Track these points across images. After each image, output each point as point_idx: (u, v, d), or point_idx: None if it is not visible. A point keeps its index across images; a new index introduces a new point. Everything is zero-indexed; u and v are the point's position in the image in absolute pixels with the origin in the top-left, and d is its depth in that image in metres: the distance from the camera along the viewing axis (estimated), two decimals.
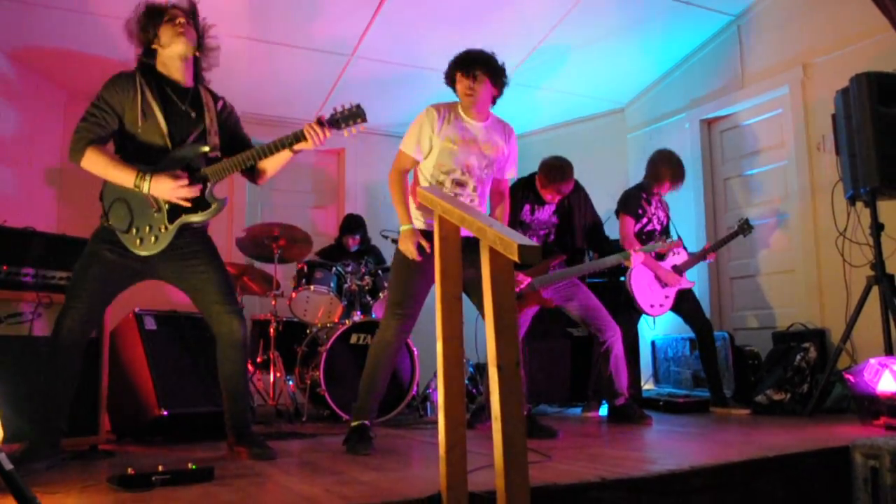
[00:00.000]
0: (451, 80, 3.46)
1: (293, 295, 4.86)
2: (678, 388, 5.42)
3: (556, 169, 4.26)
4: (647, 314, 4.69)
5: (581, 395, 5.02)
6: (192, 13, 2.93)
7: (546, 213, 4.41)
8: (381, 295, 4.94)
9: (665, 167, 4.71)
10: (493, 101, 3.52)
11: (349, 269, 5.02)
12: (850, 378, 3.72)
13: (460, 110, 3.44)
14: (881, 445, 2.60)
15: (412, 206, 3.40)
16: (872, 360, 3.64)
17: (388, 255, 5.43)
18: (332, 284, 4.85)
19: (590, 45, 5.57)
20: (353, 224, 5.71)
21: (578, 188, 4.47)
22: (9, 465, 1.73)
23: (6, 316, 3.07)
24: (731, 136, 5.80)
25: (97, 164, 2.74)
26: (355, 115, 2.91)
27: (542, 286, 4.26)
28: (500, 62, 3.45)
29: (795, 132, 5.12)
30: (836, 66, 4.75)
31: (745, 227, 4.80)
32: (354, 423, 3.28)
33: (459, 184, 3.36)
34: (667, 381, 5.61)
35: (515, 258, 1.55)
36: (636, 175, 5.77)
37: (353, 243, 5.65)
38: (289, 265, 5.30)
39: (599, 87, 6.28)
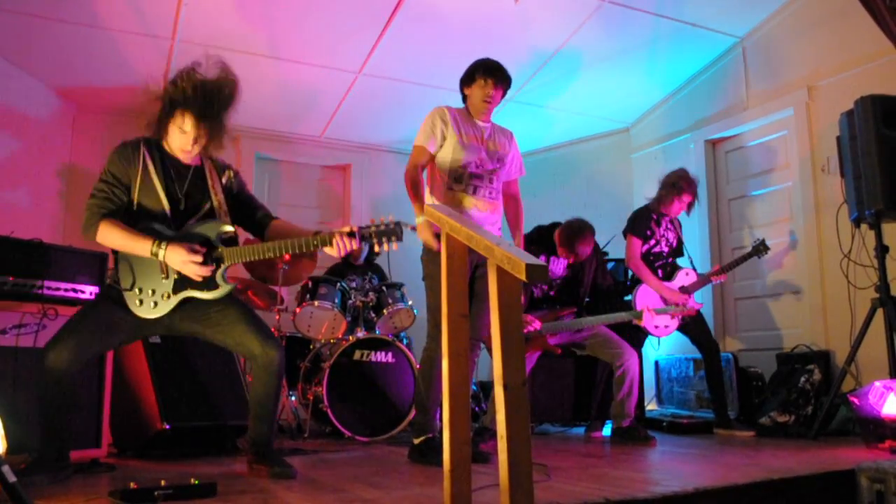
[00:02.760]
0: (469, 82, 3.55)
1: (297, 310, 4.86)
2: (682, 409, 5.40)
3: (578, 233, 4.31)
4: (653, 335, 4.68)
5: (584, 414, 5.00)
6: (220, 106, 2.78)
7: (560, 267, 4.47)
8: (384, 311, 4.93)
9: (677, 189, 4.71)
10: None
11: (354, 284, 5.03)
12: (855, 401, 3.70)
13: (467, 112, 3.59)
14: (887, 469, 2.59)
15: (429, 201, 3.47)
16: (877, 383, 3.63)
17: (394, 269, 5.45)
18: (336, 300, 4.85)
19: (596, 65, 5.60)
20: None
21: (597, 249, 4.55)
22: (12, 478, 1.73)
23: (11, 327, 3.08)
24: (735, 157, 5.81)
25: (112, 237, 2.70)
26: (391, 232, 2.71)
27: (549, 332, 4.31)
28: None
29: (800, 154, 5.13)
30: (841, 89, 4.77)
31: (760, 249, 4.76)
32: (420, 440, 3.37)
33: (476, 176, 3.47)
34: (670, 401, 5.59)
35: (523, 277, 1.55)
36: (641, 194, 5.79)
37: (359, 254, 5.62)
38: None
39: (605, 107, 6.30)
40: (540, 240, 4.47)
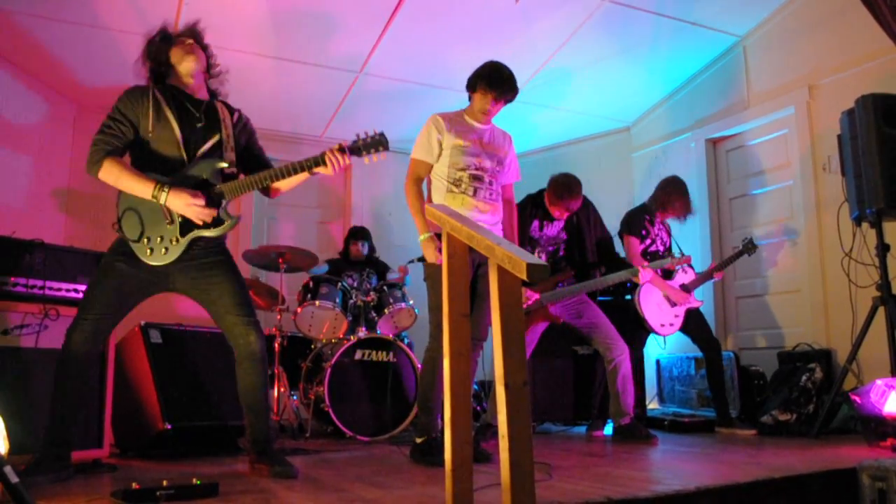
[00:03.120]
0: (472, 88, 3.54)
1: (298, 310, 4.86)
2: (683, 408, 5.40)
3: (565, 185, 4.30)
4: (658, 334, 4.68)
5: (585, 413, 5.00)
6: (198, 38, 3.02)
7: (555, 230, 4.43)
8: (386, 311, 4.93)
9: (678, 197, 4.72)
10: None
11: (354, 284, 5.03)
12: (857, 399, 3.70)
13: (465, 116, 3.58)
14: (888, 467, 2.59)
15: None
16: (879, 381, 3.63)
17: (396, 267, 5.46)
18: (337, 300, 4.85)
19: (596, 64, 5.60)
20: (359, 231, 5.71)
21: (587, 204, 4.51)
22: (14, 479, 1.74)
23: (13, 327, 3.08)
24: (736, 156, 5.81)
25: (115, 175, 2.76)
26: (377, 142, 2.85)
27: (549, 302, 4.28)
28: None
29: (801, 152, 5.12)
30: (841, 88, 4.77)
31: (749, 247, 4.80)
32: (422, 440, 3.38)
33: (476, 178, 3.47)
34: (671, 400, 5.59)
35: (524, 276, 1.55)
36: (642, 193, 5.80)
37: (359, 250, 5.63)
38: (295, 279, 5.30)
39: (605, 106, 6.30)
40: (532, 205, 4.44)
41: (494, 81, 3.47)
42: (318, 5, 4.73)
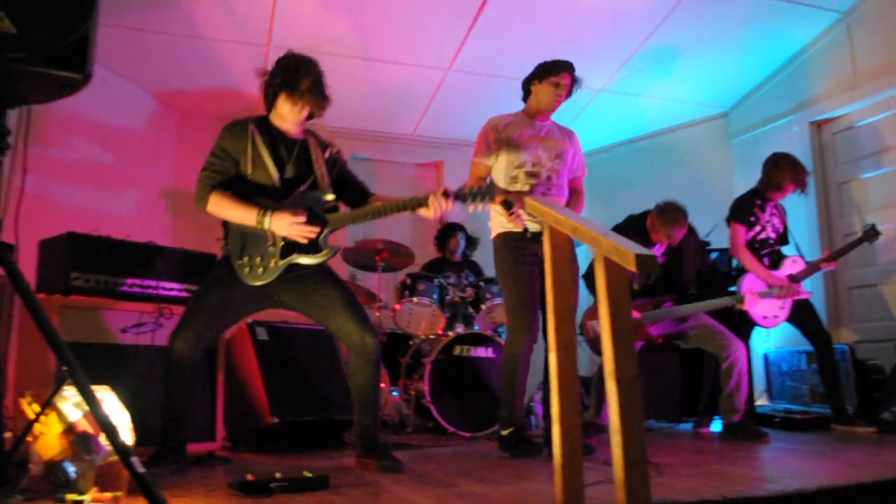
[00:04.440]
0: (540, 79, 3.60)
1: (397, 307, 4.92)
2: (794, 404, 5.17)
3: (671, 215, 4.21)
4: (761, 326, 4.49)
5: (691, 410, 4.86)
6: (318, 91, 2.93)
7: (656, 254, 4.33)
8: (483, 306, 4.93)
9: (784, 171, 4.50)
10: None
11: (451, 280, 5.05)
12: None
13: (522, 114, 3.65)
14: None
15: (495, 211, 3.52)
16: None
17: (489, 268, 5.44)
18: (434, 296, 4.89)
19: (690, 48, 5.43)
20: (452, 228, 5.73)
21: (692, 232, 4.39)
22: (141, 469, 1.81)
23: (131, 326, 3.24)
24: (844, 138, 5.52)
25: (222, 207, 2.85)
26: (484, 193, 2.84)
27: (650, 322, 4.20)
28: None
29: None
30: None
31: (870, 234, 4.48)
32: (508, 432, 3.38)
33: (532, 175, 3.50)
34: (781, 396, 5.36)
35: (632, 267, 1.51)
36: (742, 182, 5.58)
37: (457, 243, 5.65)
38: (393, 277, 5.37)
39: (701, 92, 6.10)
40: (632, 228, 4.36)
41: (546, 67, 3.57)
42: (405, 5, 4.77)
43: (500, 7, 4.79)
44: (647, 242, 4.31)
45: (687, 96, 6.15)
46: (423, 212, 2.87)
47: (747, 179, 4.84)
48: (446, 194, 2.83)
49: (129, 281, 3.26)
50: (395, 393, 4.94)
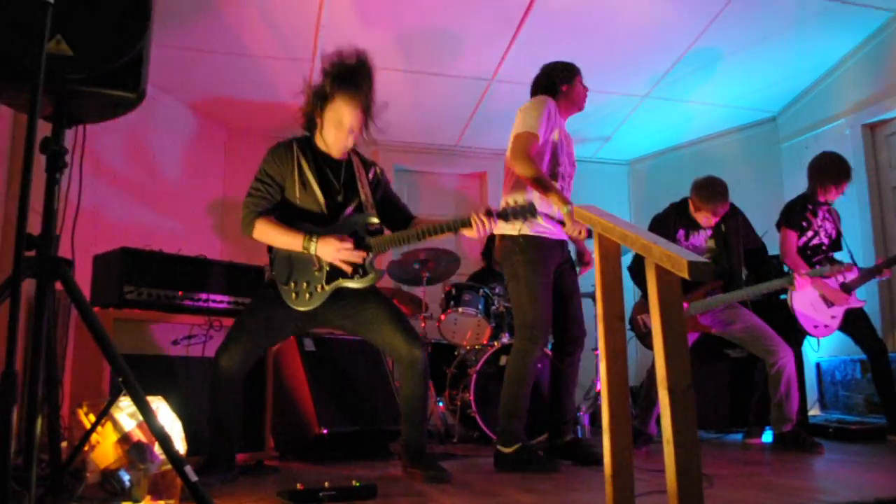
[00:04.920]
0: (572, 78, 3.61)
1: (442, 317, 4.93)
2: (848, 415, 5.03)
3: (710, 188, 4.11)
4: (812, 335, 4.38)
5: (741, 420, 4.76)
6: (368, 113, 2.97)
7: (701, 239, 4.25)
8: None
9: (826, 170, 4.39)
10: None
11: (497, 290, 5.04)
12: None
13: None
14: None
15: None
16: None
17: None
18: (479, 306, 4.88)
19: (737, 52, 5.35)
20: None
21: (735, 211, 4.28)
22: (194, 478, 1.85)
23: (182, 338, 3.30)
24: None
25: (267, 234, 2.88)
26: (525, 211, 2.83)
27: (698, 312, 4.11)
28: None
29: None
30: None
31: None
32: (512, 449, 3.23)
33: (561, 176, 3.45)
34: (835, 406, 5.22)
35: (685, 275, 1.49)
36: (792, 187, 5.46)
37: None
38: (437, 287, 5.38)
39: (749, 96, 6.00)
40: (675, 215, 4.27)
41: (571, 67, 3.63)
42: (446, 18, 4.79)
43: (543, 15, 4.78)
44: (693, 225, 4.23)
45: (734, 101, 6.06)
46: (466, 232, 2.84)
47: (798, 184, 4.74)
48: (489, 214, 2.80)
49: (180, 294, 3.32)
50: (440, 403, 4.94)
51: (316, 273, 2.89)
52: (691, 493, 1.56)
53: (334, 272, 2.88)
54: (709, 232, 4.23)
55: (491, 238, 5.73)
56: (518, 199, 2.83)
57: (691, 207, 4.20)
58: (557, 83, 3.58)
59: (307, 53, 5.01)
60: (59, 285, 1.90)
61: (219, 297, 3.44)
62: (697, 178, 4.20)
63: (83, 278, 1.99)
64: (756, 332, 4.06)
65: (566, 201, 3.16)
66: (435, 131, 6.39)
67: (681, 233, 4.22)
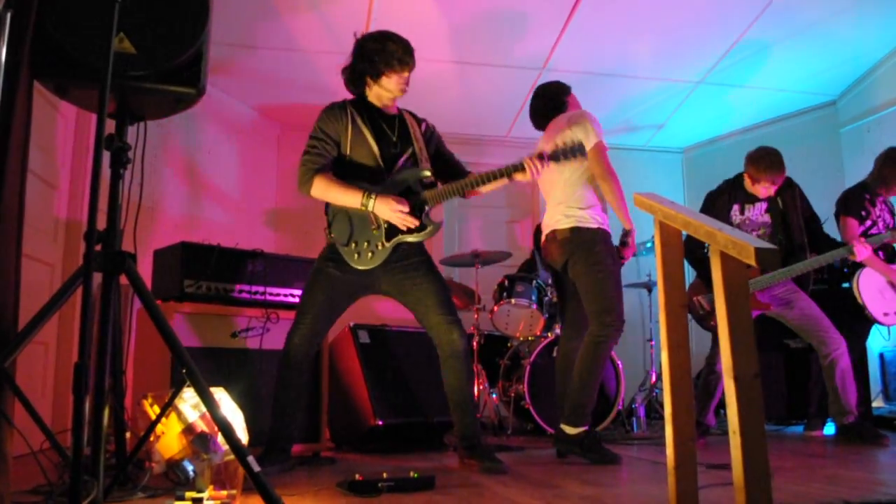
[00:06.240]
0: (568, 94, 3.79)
1: (495, 308, 4.92)
2: None
3: (765, 157, 4.04)
4: (881, 324, 4.24)
5: (800, 412, 4.65)
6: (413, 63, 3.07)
7: (757, 212, 4.15)
8: None
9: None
10: None
11: (550, 281, 5.00)
12: None
13: None
14: None
15: (584, 204, 3.44)
16: None
17: None
18: (532, 297, 4.86)
19: (795, 35, 5.19)
20: None
21: (791, 184, 4.18)
22: (257, 468, 1.87)
23: (240, 331, 3.35)
24: None
25: (325, 190, 2.93)
26: (575, 150, 2.93)
27: (757, 289, 4.00)
28: None
29: None
30: None
31: None
32: (578, 431, 3.25)
33: None
34: None
35: (752, 262, 1.46)
36: (853, 173, 5.30)
37: None
38: (492, 279, 5.35)
39: (807, 80, 5.83)
40: (730, 190, 4.20)
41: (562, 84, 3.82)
42: (497, 6, 4.76)
43: (595, 2, 4.71)
44: (749, 199, 4.15)
45: (791, 85, 5.89)
46: (519, 176, 2.96)
47: (858, 170, 4.60)
48: (542, 157, 2.91)
49: (238, 287, 3.38)
50: (493, 395, 4.94)
51: (374, 231, 2.95)
52: (759, 484, 1.53)
53: (393, 228, 2.94)
54: (765, 205, 4.13)
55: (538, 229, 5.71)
56: (566, 140, 2.96)
57: (747, 182, 4.13)
58: (565, 99, 3.74)
59: None
60: (123, 279, 1.95)
61: (275, 290, 3.49)
62: (750, 151, 4.14)
63: (143, 273, 2.03)
64: (811, 321, 3.97)
65: (630, 222, 3.37)
66: (485, 122, 6.37)
67: (735, 207, 4.15)
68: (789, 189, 4.16)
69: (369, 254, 2.94)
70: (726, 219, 4.12)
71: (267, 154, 6.09)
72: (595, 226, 3.41)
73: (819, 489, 2.29)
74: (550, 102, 3.73)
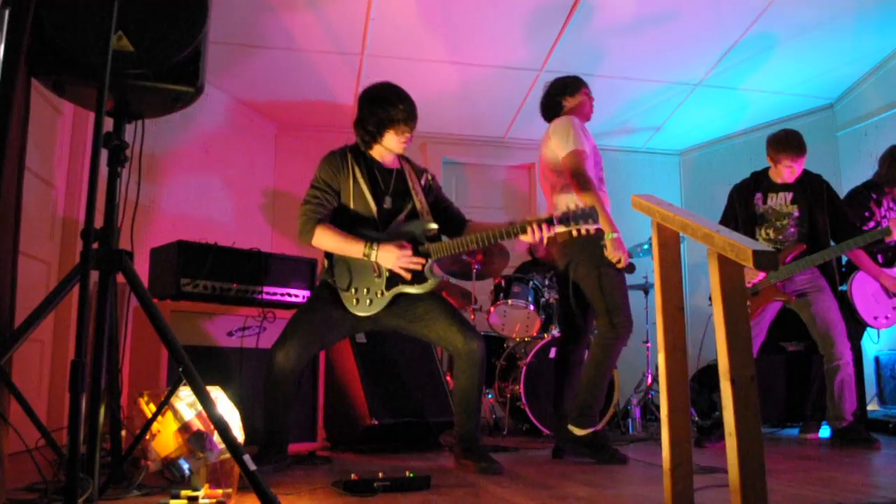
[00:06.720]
0: (576, 91, 3.67)
1: (491, 309, 4.93)
2: None
3: (783, 139, 4.07)
4: (871, 327, 4.26)
5: (797, 414, 4.66)
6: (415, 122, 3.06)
7: (781, 202, 4.13)
8: None
9: None
10: None
11: (546, 282, 5.01)
12: None
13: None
14: None
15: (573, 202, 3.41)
16: None
17: None
18: (529, 298, 4.86)
19: (793, 38, 5.20)
20: None
21: (821, 179, 4.18)
22: (253, 467, 1.87)
23: (236, 330, 3.35)
24: None
25: (327, 241, 2.92)
26: (587, 216, 2.83)
27: (781, 279, 3.97)
28: None
29: None
30: None
31: None
32: (586, 432, 3.26)
33: (601, 180, 3.48)
34: (894, 401, 5.07)
35: (750, 264, 1.46)
36: (850, 177, 5.32)
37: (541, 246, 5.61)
38: (487, 280, 5.37)
39: (805, 83, 5.84)
40: (753, 180, 4.20)
41: (577, 79, 3.68)
42: (496, 8, 4.76)
43: (593, 4, 4.72)
44: (772, 188, 4.14)
45: (790, 88, 5.90)
46: (523, 238, 2.87)
47: (855, 174, 4.62)
48: (550, 221, 2.83)
49: (235, 286, 3.38)
50: (489, 395, 4.94)
51: (376, 279, 2.93)
52: (754, 486, 1.53)
53: (394, 278, 2.92)
54: (790, 195, 4.11)
55: None
56: (579, 203, 2.90)
57: (772, 169, 4.14)
58: (561, 100, 3.64)
59: (356, 47, 5.03)
60: (120, 277, 1.94)
61: (272, 290, 3.49)
62: (769, 134, 4.16)
63: (140, 271, 2.03)
64: (827, 324, 3.92)
65: (614, 228, 3.24)
66: (483, 123, 6.37)
67: (758, 196, 4.15)
68: (819, 183, 4.16)
69: (368, 301, 2.93)
70: (748, 207, 4.11)
71: (265, 153, 6.08)
72: (595, 228, 3.39)
73: (813, 492, 2.30)
74: (548, 102, 3.72)
